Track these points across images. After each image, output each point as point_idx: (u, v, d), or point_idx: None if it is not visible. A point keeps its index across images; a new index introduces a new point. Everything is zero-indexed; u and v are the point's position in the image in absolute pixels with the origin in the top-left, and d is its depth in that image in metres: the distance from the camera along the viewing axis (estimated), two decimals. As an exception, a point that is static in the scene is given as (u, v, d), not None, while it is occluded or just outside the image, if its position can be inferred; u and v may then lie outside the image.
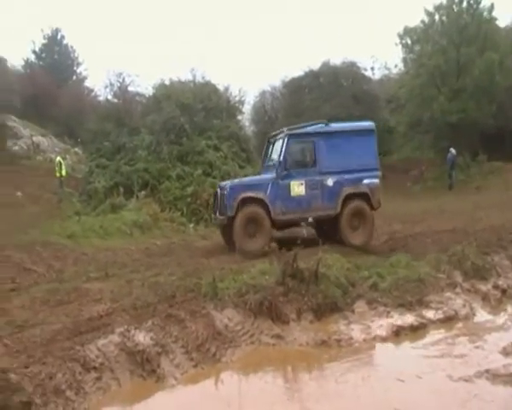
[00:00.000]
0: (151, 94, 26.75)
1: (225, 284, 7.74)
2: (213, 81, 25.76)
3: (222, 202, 11.66)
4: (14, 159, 27.40)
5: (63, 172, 22.73)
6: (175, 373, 6.00)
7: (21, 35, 69.93)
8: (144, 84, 38.45)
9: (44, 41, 45.18)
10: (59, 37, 45.73)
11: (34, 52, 45.04)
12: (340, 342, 6.77)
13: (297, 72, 37.71)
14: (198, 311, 6.92)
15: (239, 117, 26.95)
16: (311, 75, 34.85)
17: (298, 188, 11.43)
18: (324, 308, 7.37)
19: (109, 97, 28.20)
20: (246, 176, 16.23)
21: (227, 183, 12.18)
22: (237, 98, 26.27)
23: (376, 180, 11.78)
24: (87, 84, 46.67)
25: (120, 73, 26.69)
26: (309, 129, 12.01)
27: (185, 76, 26.30)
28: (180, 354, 6.24)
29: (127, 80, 27.50)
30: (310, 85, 34.24)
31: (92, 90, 43.22)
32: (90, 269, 10.74)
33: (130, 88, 27.14)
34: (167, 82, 25.70)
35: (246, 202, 11.28)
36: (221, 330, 6.71)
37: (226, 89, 25.87)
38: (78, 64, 47.13)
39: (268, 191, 11.44)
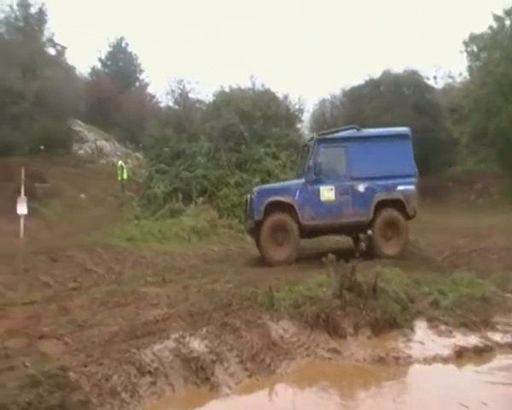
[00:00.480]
0: (211, 101, 27.14)
1: (282, 294, 7.66)
2: (273, 89, 25.88)
3: (250, 206, 11.61)
4: (79, 162, 28.47)
5: (125, 176, 23.40)
6: (229, 382, 5.95)
7: (89, 44, 72.75)
8: (204, 91, 38.91)
9: (110, 49, 46.86)
10: (123, 45, 47.27)
11: (100, 60, 46.73)
12: (399, 360, 6.54)
13: (357, 80, 37.21)
14: (253, 320, 6.87)
15: (298, 125, 26.90)
16: (372, 84, 34.31)
17: (328, 193, 11.23)
18: (383, 324, 7.15)
19: (170, 104, 28.82)
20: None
21: (257, 187, 12.18)
22: (296, 106, 26.26)
23: (412, 187, 11.35)
24: (149, 90, 48.04)
25: (181, 80, 27.22)
26: (340, 134, 11.81)
27: (245, 83, 26.53)
28: (235, 363, 6.19)
29: (188, 87, 27.97)
30: (370, 94, 33.71)
31: (154, 97, 44.43)
32: (147, 273, 10.93)
33: (190, 95, 27.61)
34: (227, 89, 25.99)
35: (273, 206, 11.18)
36: (276, 341, 6.62)
37: (285, 97, 25.91)
38: (141, 71, 48.57)
39: (297, 196, 11.30)
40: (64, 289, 9.87)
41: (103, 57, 46.64)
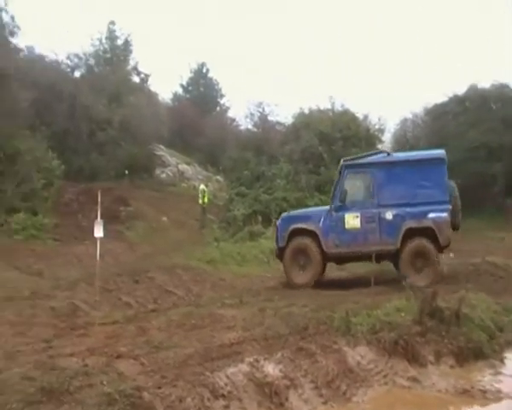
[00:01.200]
0: (290, 123, 27.37)
1: (359, 319, 7.49)
2: (352, 109, 25.71)
3: (276, 233, 11.87)
4: (162, 186, 29.53)
5: (205, 200, 23.87)
6: (303, 409, 5.87)
7: (171, 71, 75.71)
8: (283, 114, 39.32)
9: (191, 75, 48.46)
10: (204, 70, 48.76)
11: (182, 86, 48.49)
12: (486, 394, 6.17)
13: (439, 97, 36.07)
14: (329, 345, 6.76)
15: (379, 146, 26.47)
16: (456, 100, 33.11)
17: (353, 220, 11.04)
18: (467, 353, 6.81)
19: (249, 127, 29.37)
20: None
21: (284, 214, 12.31)
22: (377, 126, 25.95)
23: (444, 214, 10.74)
24: (229, 114, 49.06)
25: (260, 103, 27.70)
26: (368, 159, 11.57)
27: (324, 104, 26.54)
28: (309, 389, 6.10)
29: (267, 110, 28.44)
30: (454, 111, 32.53)
31: (234, 120, 45.32)
32: (225, 295, 11.06)
33: (269, 117, 28.03)
34: (306, 111, 26.09)
35: (296, 233, 11.30)
36: (353, 367, 6.48)
37: (365, 117, 25.69)
38: (222, 95, 49.80)
39: (321, 223, 11.26)
40: (144, 310, 10.17)
41: (185, 83, 48.44)
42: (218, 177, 34.03)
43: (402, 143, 35.03)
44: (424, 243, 10.76)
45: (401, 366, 6.59)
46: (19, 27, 30.34)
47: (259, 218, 19.44)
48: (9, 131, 19.37)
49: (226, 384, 5.90)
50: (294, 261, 11.36)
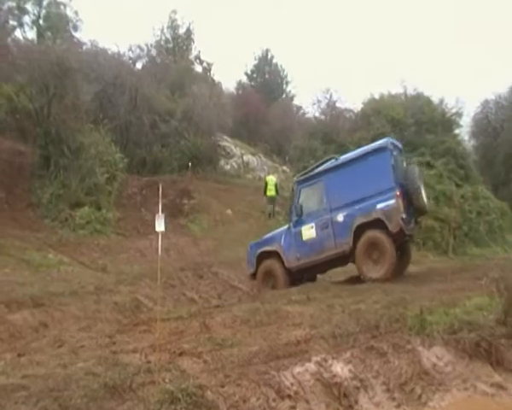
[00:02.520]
0: (359, 110, 26.92)
1: (435, 317, 7.21)
2: (426, 93, 24.93)
3: (247, 259, 12.74)
4: (226, 177, 29.82)
5: (272, 193, 23.68)
6: (374, 412, 5.76)
7: (235, 59, 76.27)
8: (352, 100, 38.74)
9: (255, 62, 48.71)
10: (269, 57, 48.84)
11: (246, 74, 48.87)
12: None
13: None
14: (402, 345, 6.56)
15: (456, 131, 25.61)
16: (548, 77, 31.44)
17: (308, 231, 11.78)
18: (562, 358, 6.42)
19: (317, 114, 29.11)
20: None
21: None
22: (454, 110, 25.03)
23: (392, 201, 11.02)
24: (295, 101, 48.91)
25: (328, 90, 27.37)
26: (317, 170, 12.25)
27: (396, 89, 25.94)
28: (380, 391, 5.95)
29: (334, 96, 28.09)
30: (545, 88, 30.97)
31: (300, 108, 45.16)
32: (292, 291, 11.04)
33: (337, 104, 27.67)
34: (377, 96, 25.58)
35: (263, 256, 12.25)
36: (428, 369, 6.25)
37: (441, 101, 24.94)
38: (287, 82, 49.76)
39: (282, 242, 12.16)
40: (208, 305, 10.36)
41: (249, 71, 48.75)
42: (284, 167, 33.97)
43: (483, 126, 33.73)
44: (374, 233, 11.14)
45: (483, 371, 6.28)
46: (82, 21, 31.74)
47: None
48: (73, 125, 20.15)
49: (292, 384, 5.84)
50: (264, 282, 12.14)
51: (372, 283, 11.19)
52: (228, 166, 31.60)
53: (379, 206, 11.12)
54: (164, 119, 29.07)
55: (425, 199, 11.75)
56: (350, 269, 12.55)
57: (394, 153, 11.62)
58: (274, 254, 12.22)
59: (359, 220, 11.29)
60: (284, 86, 49.82)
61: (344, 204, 11.53)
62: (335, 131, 24.46)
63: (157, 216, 9.47)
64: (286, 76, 49.49)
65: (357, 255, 11.36)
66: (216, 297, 11.08)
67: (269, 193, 23.47)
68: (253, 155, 34.33)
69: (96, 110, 24.41)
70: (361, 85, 70.03)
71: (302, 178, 12.46)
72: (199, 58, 41.20)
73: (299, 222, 12.03)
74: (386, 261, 11.15)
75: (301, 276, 12.23)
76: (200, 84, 32.64)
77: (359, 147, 21.46)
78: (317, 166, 12.59)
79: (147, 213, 20.36)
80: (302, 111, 43.98)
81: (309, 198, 12.15)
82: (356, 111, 26.93)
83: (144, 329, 8.38)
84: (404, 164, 12.30)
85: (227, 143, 33.41)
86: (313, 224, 11.80)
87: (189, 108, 29.96)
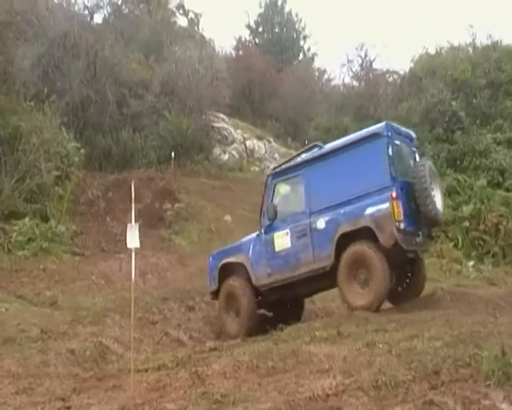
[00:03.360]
0: (406, 71, 26.90)
1: (525, 361, 7.18)
2: (506, 40, 24.83)
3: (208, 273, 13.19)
4: (223, 171, 29.77)
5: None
6: None
7: (233, 8, 76.04)
8: (396, 58, 38.61)
9: (261, 11, 48.86)
10: (279, 3, 48.90)
11: (248, 27, 48.90)
12: None
13: None
14: (476, 400, 6.50)
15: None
16: None
17: (282, 239, 12.06)
18: None
19: (347, 80, 29.09)
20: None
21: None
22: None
23: (385, 205, 11.04)
24: (317, 64, 48.83)
25: (362, 45, 27.36)
26: (297, 160, 12.68)
27: (460, 40, 25.92)
28: None
29: (371, 54, 28.04)
30: None
31: (324, 72, 45.07)
32: (315, 325, 11.01)
33: (375, 65, 27.63)
34: (432, 51, 25.60)
35: (226, 271, 12.67)
36: (516, 438, 6.20)
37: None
38: (305, 38, 49.69)
39: (250, 252, 12.51)
40: (201, 348, 10.30)
41: (252, 23, 48.79)
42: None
43: None
44: (362, 247, 11.19)
45: None
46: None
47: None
48: (4, 104, 20.00)
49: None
50: (228, 307, 12.47)
51: (430, 312, 11.16)
52: (225, 156, 31.59)
53: (368, 210, 11.18)
54: (135, 93, 29.17)
55: (438, 205, 11.70)
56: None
57: (396, 141, 11.67)
58: (240, 269, 12.54)
59: (343, 228, 11.39)
60: (301, 43, 49.89)
61: (326, 206, 11.71)
62: (373, 103, 24.58)
63: (129, 227, 9.46)
64: (303, 29, 49.54)
65: (339, 274, 11.41)
66: (212, 337, 11.08)
67: (281, 192, 23.43)
68: (260, 139, 34.30)
69: (38, 82, 24.26)
70: (409, 38, 69.82)
71: (277, 170, 12.88)
72: (182, 7, 41.34)
73: (272, 228, 12.34)
74: (375, 284, 11.18)
75: (275, 300, 12.62)
76: (184, 44, 32.69)
77: (406, 123, 21.81)
78: (298, 156, 12.99)
79: (114, 224, 20.33)
80: (326, 77, 44.05)
81: (285, 197, 12.61)
82: (402, 73, 26.92)
83: (113, 385, 8.35)
84: (417, 157, 12.34)
85: (224, 123, 33.44)
86: (288, 230, 12.05)
87: (171, 77, 30.05)
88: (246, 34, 48.75)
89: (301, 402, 6.92)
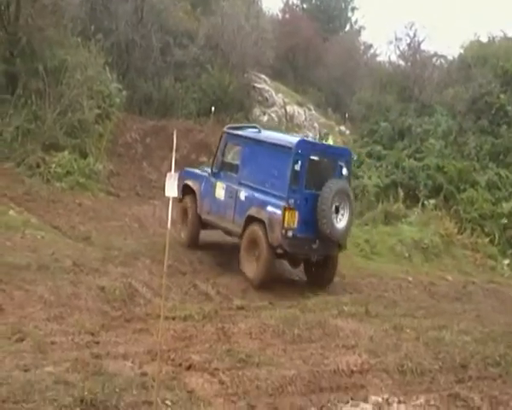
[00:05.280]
0: (456, 57, 26.46)
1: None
2: None
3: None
4: (263, 133, 29.57)
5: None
6: None
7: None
8: (446, 43, 37.97)
9: (310, -25, 48.06)
10: (330, -31, 48.19)
11: (296, -9, 48.20)
12: None
13: None
14: (504, 401, 6.50)
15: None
16: None
17: (219, 190, 13.80)
18: None
19: (393, 58, 28.66)
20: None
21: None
22: None
23: (278, 212, 12.35)
24: (363, 37, 48.28)
25: (412, 24, 26.87)
26: (242, 132, 14.20)
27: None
28: None
29: (421, 35, 27.55)
30: None
31: (370, 47, 44.57)
32: (344, 300, 11.06)
33: (424, 46, 27.18)
34: (484, 38, 25.14)
35: (186, 190, 14.54)
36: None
37: None
38: (353, 9, 49.07)
39: (201, 186, 14.31)
40: (228, 305, 10.37)
41: (300, -12, 48.14)
42: (342, 127, 33.60)
43: None
44: (258, 232, 12.66)
45: None
46: None
47: (401, 192, 19.16)
48: (53, 36, 19.88)
49: (340, 432, 5.88)
50: (183, 219, 14.60)
51: (460, 304, 11.17)
52: (265, 118, 31.29)
53: (268, 208, 12.56)
54: (180, 42, 28.83)
55: (339, 224, 12.69)
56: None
57: (312, 157, 12.82)
58: (193, 193, 14.36)
59: (251, 211, 12.87)
60: (349, 14, 49.31)
61: (249, 184, 13.27)
62: (418, 85, 24.18)
63: (168, 176, 9.38)
64: (352, 0, 48.91)
65: (241, 243, 13.00)
66: (239, 295, 11.11)
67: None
68: (301, 105, 34.02)
69: (85, 19, 23.98)
70: (461, 22, 68.61)
71: (230, 132, 14.41)
72: (232, -38, 40.86)
73: (217, 175, 13.99)
74: (260, 265, 12.52)
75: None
76: (232, 0, 32.31)
77: (451, 110, 21.54)
78: (245, 128, 14.62)
79: (150, 170, 20.49)
80: (372, 51, 43.59)
81: (230, 157, 14.24)
82: (451, 58, 26.48)
83: (140, 328, 8.38)
84: (343, 172, 13.21)
85: (265, 85, 33.15)
86: (225, 185, 13.75)
87: (216, 30, 29.67)
88: (293, -2, 48.01)
89: (325, 375, 6.98)
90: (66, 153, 17.92)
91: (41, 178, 16.76)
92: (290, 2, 46.98)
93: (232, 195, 13.49)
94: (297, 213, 12.39)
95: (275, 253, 12.64)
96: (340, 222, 12.72)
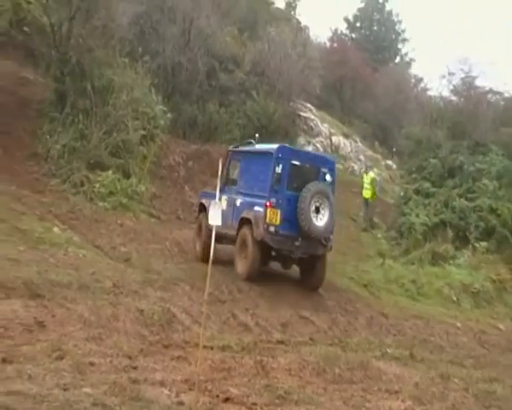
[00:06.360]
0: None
1: None
2: None
3: None
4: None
5: (367, 195, 23.23)
6: None
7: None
8: (503, 79, 37.63)
9: (361, 5, 48.54)
10: (380, 0, 48.42)
11: (346, 20, 48.59)
12: None
13: None
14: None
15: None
16: None
17: (224, 203, 15.01)
18: None
19: (445, 93, 28.44)
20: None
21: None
22: None
23: (261, 209, 14.23)
24: (413, 70, 48.14)
25: (466, 59, 26.68)
26: (240, 148, 16.56)
27: None
28: None
29: (475, 70, 27.34)
30: None
31: (421, 80, 44.37)
32: (387, 341, 10.95)
33: (478, 82, 26.97)
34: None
35: (201, 208, 16.56)
36: None
37: None
38: (404, 41, 49.09)
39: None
40: (267, 338, 10.36)
41: (350, 17, 48.41)
42: (389, 161, 33.43)
43: None
44: (246, 232, 14.55)
45: None
46: None
47: (450, 233, 19.06)
48: (102, 56, 20.20)
49: None
50: (198, 234, 16.14)
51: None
52: (309, 148, 31.36)
53: (255, 208, 14.45)
54: (226, 67, 29.08)
55: (319, 222, 14.20)
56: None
57: (293, 162, 14.55)
58: (205, 210, 15.74)
59: (243, 213, 14.76)
60: (399, 46, 49.37)
61: (243, 191, 15.25)
62: (472, 122, 23.91)
63: (213, 203, 9.44)
64: (403, 31, 48.98)
65: (236, 245, 14.81)
66: (279, 328, 11.03)
67: (364, 194, 23.33)
68: (347, 137, 34.03)
69: (133, 41, 24.31)
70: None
71: (233, 150, 16.57)
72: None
73: (223, 190, 15.13)
74: (248, 260, 14.23)
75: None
76: (279, 26, 32.47)
77: (507, 149, 21.30)
78: (244, 145, 16.73)
79: (192, 194, 20.49)
80: (423, 85, 43.28)
81: (232, 172, 16.09)
82: (507, 95, 26.27)
83: (178, 355, 8.42)
84: (327, 178, 14.83)
85: (311, 114, 33.25)
86: (227, 197, 15.43)
87: (262, 57, 29.83)
88: (342, 27, 48.53)
89: (366, 420, 6.88)
90: (110, 172, 18.22)
91: (85, 197, 17.10)
92: (339, 32, 47.37)
93: (231, 203, 15.29)
94: (279, 212, 14.09)
95: (261, 248, 14.07)
96: (320, 221, 14.20)
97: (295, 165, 14.48)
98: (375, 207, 23.72)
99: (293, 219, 14.07)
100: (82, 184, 17.60)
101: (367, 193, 23.16)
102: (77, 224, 14.92)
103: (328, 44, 44.37)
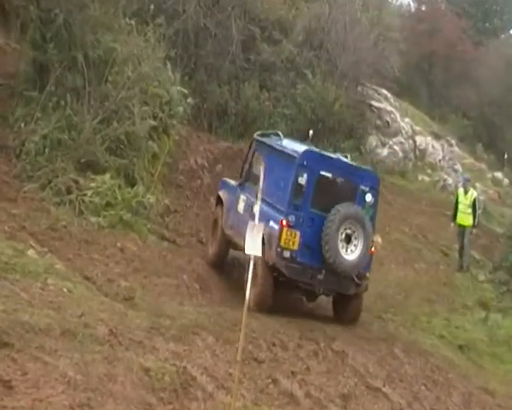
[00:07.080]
0: None
1: None
2: None
3: None
4: (378, 171, 29.40)
5: (465, 218, 22.86)
6: None
7: None
8: None
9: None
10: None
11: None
12: None
13: None
14: None
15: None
16: None
17: (241, 204, 16.29)
18: None
19: None
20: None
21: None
22: None
23: (276, 227, 14.68)
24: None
25: None
26: (269, 139, 17.02)
27: None
28: None
29: None
30: None
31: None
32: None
33: None
34: None
35: (219, 200, 17.82)
36: None
37: None
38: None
39: (229, 198, 17.38)
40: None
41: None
42: (499, 174, 33.29)
43: None
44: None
45: None
46: None
47: None
48: (99, 17, 19.95)
49: None
50: (212, 231, 17.57)
51: None
52: (384, 151, 31.41)
53: (270, 223, 14.77)
54: (270, 36, 29.26)
55: (349, 256, 14.60)
56: None
57: (323, 172, 14.96)
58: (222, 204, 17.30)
59: None
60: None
61: (264, 197, 13.82)
62: None
63: (250, 226, 9.35)
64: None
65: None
66: (338, 402, 10.91)
67: (461, 219, 23.00)
68: (437, 138, 33.94)
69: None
70: None
71: (258, 138, 17.30)
72: None
73: (242, 187, 16.61)
74: (257, 289, 14.39)
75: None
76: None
77: None
78: (268, 136, 17.50)
79: (219, 210, 20.57)
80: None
81: (256, 166, 16.28)
82: None
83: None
84: (367, 198, 15.18)
85: (387, 104, 33.26)
86: (245, 198, 16.26)
87: (321, 24, 30.02)
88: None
89: None
90: (107, 177, 17.87)
91: (72, 209, 16.78)
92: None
93: (248, 208, 15.73)
94: (298, 234, 14.56)
95: (273, 275, 14.65)
96: (351, 254, 14.63)
97: (325, 177, 14.86)
98: (474, 237, 23.41)
99: (317, 246, 14.47)
100: (68, 192, 17.27)
101: (466, 219, 22.71)
102: (60, 246, 14.77)
103: (413, 7, 44.57)
